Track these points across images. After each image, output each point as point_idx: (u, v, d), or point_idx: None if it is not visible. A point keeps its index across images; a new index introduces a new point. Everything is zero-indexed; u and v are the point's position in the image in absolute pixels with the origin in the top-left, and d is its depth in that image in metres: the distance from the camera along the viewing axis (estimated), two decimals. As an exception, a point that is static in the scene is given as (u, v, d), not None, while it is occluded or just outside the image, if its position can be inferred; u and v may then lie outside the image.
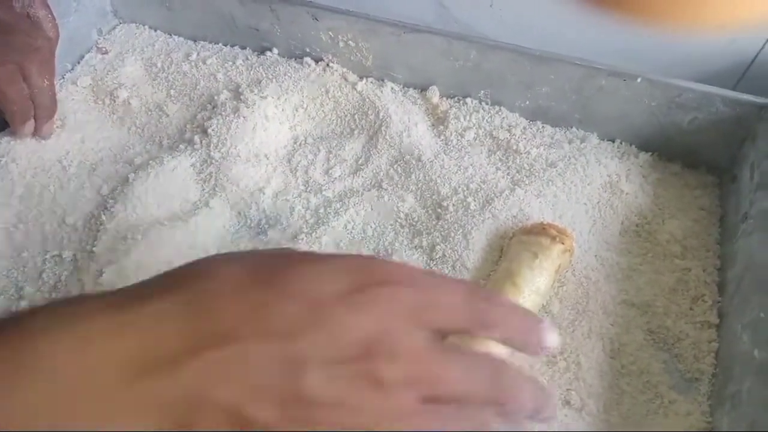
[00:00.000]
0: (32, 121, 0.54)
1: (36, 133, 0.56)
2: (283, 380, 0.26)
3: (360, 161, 0.57)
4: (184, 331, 0.27)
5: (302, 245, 0.50)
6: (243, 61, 0.63)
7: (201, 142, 0.56)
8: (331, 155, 0.57)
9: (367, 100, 0.60)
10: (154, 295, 0.28)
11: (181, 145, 0.57)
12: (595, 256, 0.50)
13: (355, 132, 0.59)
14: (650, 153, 0.56)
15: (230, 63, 0.63)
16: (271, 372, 0.26)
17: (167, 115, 0.60)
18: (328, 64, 0.62)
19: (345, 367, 0.27)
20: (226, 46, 0.65)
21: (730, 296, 0.46)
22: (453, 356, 0.30)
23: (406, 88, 0.62)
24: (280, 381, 0.26)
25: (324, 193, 0.54)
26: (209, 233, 0.51)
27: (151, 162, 0.55)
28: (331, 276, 0.29)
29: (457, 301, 0.30)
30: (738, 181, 0.51)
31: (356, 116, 0.60)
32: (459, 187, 0.53)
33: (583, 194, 0.53)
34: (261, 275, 0.29)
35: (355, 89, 0.61)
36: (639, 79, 0.52)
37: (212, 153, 0.55)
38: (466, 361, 0.30)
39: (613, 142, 0.57)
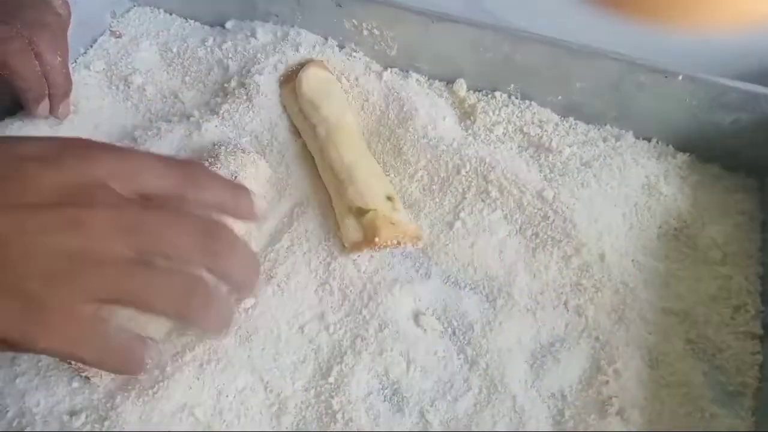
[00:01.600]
0: (47, 100, 0.52)
1: (52, 113, 0.53)
2: None
3: (384, 154, 0.54)
4: None
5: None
6: (262, 48, 0.61)
7: (217, 131, 0.54)
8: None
9: (392, 91, 0.57)
10: None
11: (197, 134, 0.54)
12: (633, 260, 0.48)
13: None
14: (688, 154, 0.54)
15: (248, 49, 0.60)
16: None
17: (182, 103, 0.57)
18: (351, 53, 0.60)
19: (37, 212, 0.29)
20: (244, 32, 0.63)
21: (775, 307, 0.44)
22: (162, 212, 0.31)
23: (431, 80, 0.59)
24: None
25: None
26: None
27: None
28: (37, 141, 0.32)
29: (161, 165, 0.33)
30: (781, 185, 0.49)
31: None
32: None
33: (620, 195, 0.50)
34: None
35: (380, 79, 0.58)
36: (680, 77, 0.50)
37: (229, 142, 0.53)
38: (177, 216, 0.32)
39: (649, 141, 0.54)
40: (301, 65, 0.56)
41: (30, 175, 0.30)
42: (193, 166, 0.35)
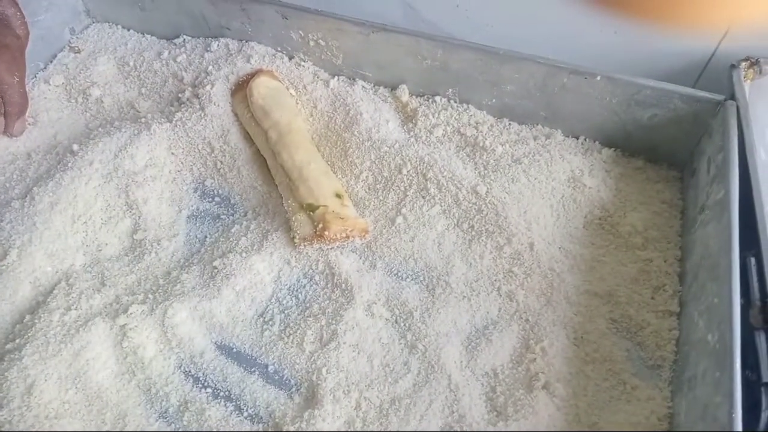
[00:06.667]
0: (1, 119, 0.54)
1: (7, 130, 0.56)
2: None
3: (331, 158, 0.57)
4: None
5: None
6: (214, 60, 0.63)
7: (172, 139, 0.56)
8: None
9: (339, 97, 0.60)
10: None
11: (152, 142, 0.57)
12: (560, 248, 0.51)
13: (327, 129, 0.60)
14: (613, 149, 0.57)
15: (201, 62, 0.63)
16: None
17: (138, 112, 0.60)
18: (299, 63, 0.63)
19: None
20: (198, 46, 0.66)
21: (689, 285, 0.48)
22: None
23: (376, 87, 0.62)
24: None
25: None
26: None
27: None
28: None
29: None
30: (697, 174, 0.53)
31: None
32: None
33: (548, 189, 0.54)
34: None
35: (327, 87, 0.61)
36: (599, 77, 0.54)
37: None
38: None
39: (577, 138, 0.58)
40: (251, 75, 0.59)
41: None
42: None
